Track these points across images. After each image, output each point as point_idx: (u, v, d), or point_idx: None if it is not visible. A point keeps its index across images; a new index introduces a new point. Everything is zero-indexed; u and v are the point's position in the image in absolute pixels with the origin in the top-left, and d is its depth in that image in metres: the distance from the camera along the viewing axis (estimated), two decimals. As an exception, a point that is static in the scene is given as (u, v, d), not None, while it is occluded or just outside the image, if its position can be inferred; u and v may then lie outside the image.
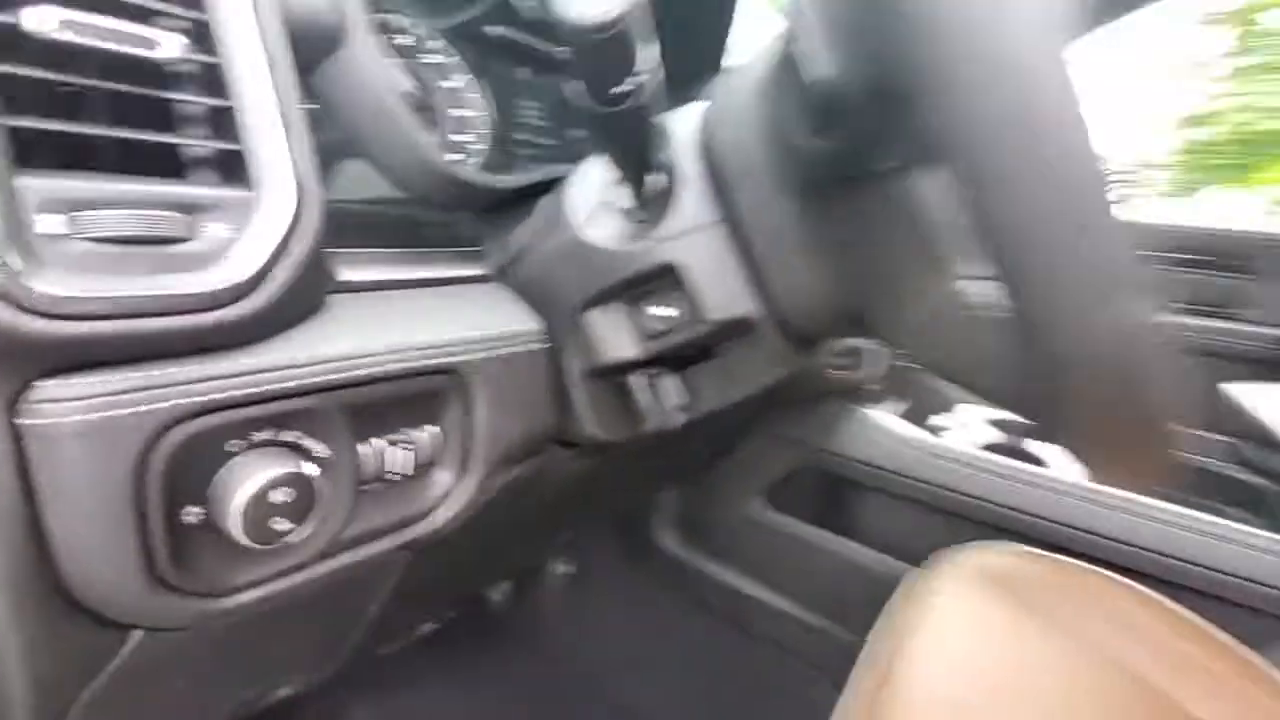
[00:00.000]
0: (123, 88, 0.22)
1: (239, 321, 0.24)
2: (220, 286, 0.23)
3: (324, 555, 0.29)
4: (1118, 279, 0.20)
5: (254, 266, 0.24)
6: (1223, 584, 0.61)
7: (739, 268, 0.34)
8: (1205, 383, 1.07)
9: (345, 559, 0.30)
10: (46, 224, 0.20)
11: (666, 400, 0.40)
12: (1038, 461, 0.77)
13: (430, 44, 0.46)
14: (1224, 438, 0.96)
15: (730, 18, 0.57)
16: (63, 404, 0.21)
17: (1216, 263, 1.44)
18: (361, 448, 0.29)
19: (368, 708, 0.80)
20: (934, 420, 0.92)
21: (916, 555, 0.59)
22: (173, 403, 0.23)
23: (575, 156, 0.40)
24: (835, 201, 0.33)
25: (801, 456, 0.83)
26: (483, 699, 0.87)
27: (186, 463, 0.24)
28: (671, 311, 0.36)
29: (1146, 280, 0.19)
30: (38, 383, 0.21)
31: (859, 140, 0.29)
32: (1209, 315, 1.44)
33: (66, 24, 0.21)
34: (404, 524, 0.33)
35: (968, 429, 0.89)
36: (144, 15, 0.23)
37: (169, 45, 0.23)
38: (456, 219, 0.42)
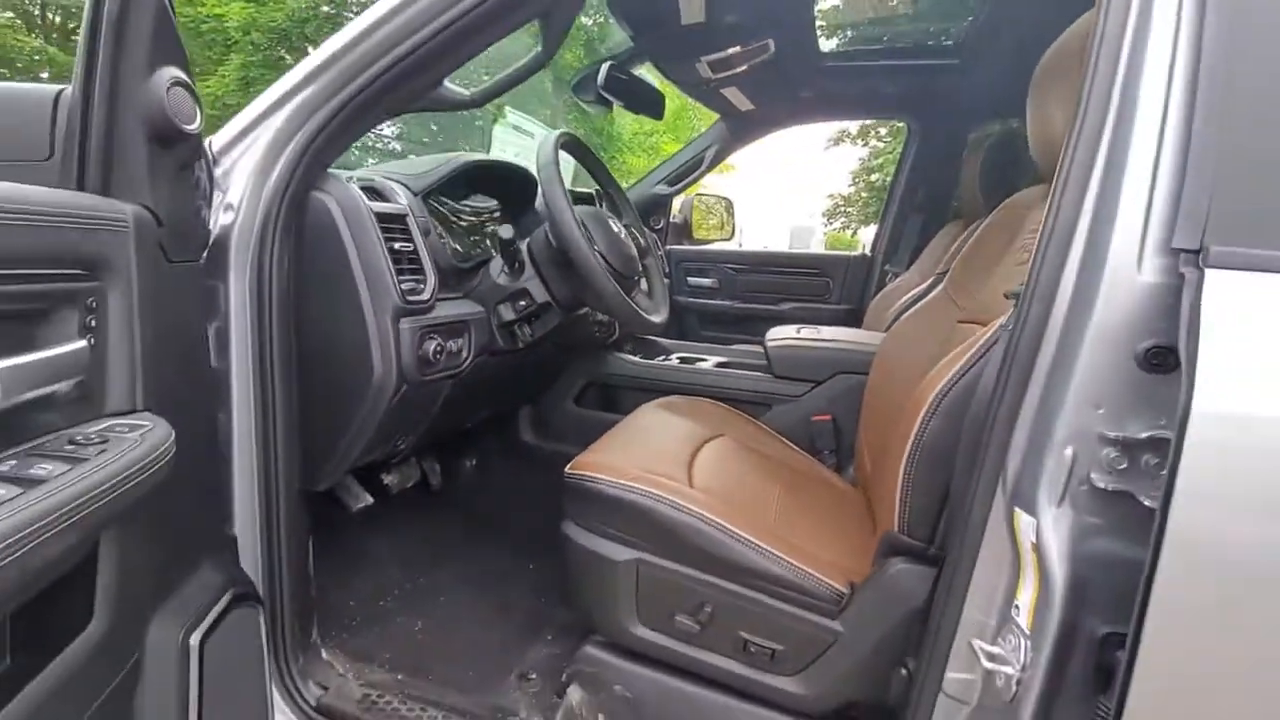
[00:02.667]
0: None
1: (428, 305, 1.03)
2: (425, 298, 1.02)
3: (442, 370, 1.07)
4: (603, 279, 1.08)
5: (430, 294, 1.03)
6: (742, 394, 1.58)
7: (543, 287, 1.19)
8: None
9: (442, 374, 1.09)
10: (412, 291, 0.98)
11: (524, 333, 1.24)
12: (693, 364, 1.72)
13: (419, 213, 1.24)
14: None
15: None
16: (410, 324, 0.98)
17: (812, 272, 2.59)
18: (450, 342, 1.08)
19: (374, 539, 1.49)
20: (657, 358, 1.84)
21: (634, 402, 1.48)
22: (417, 324, 1.01)
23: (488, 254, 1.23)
24: (566, 266, 1.19)
25: (589, 377, 1.70)
26: (429, 534, 1.59)
27: (417, 339, 1.01)
28: (523, 302, 1.20)
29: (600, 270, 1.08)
30: (404, 318, 0.98)
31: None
32: (812, 300, 2.61)
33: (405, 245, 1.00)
34: (455, 367, 1.12)
35: (669, 359, 1.82)
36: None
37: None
38: (455, 277, 1.22)
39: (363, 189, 1.01)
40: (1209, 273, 0.55)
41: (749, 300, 2.70)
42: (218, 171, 0.90)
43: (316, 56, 0.88)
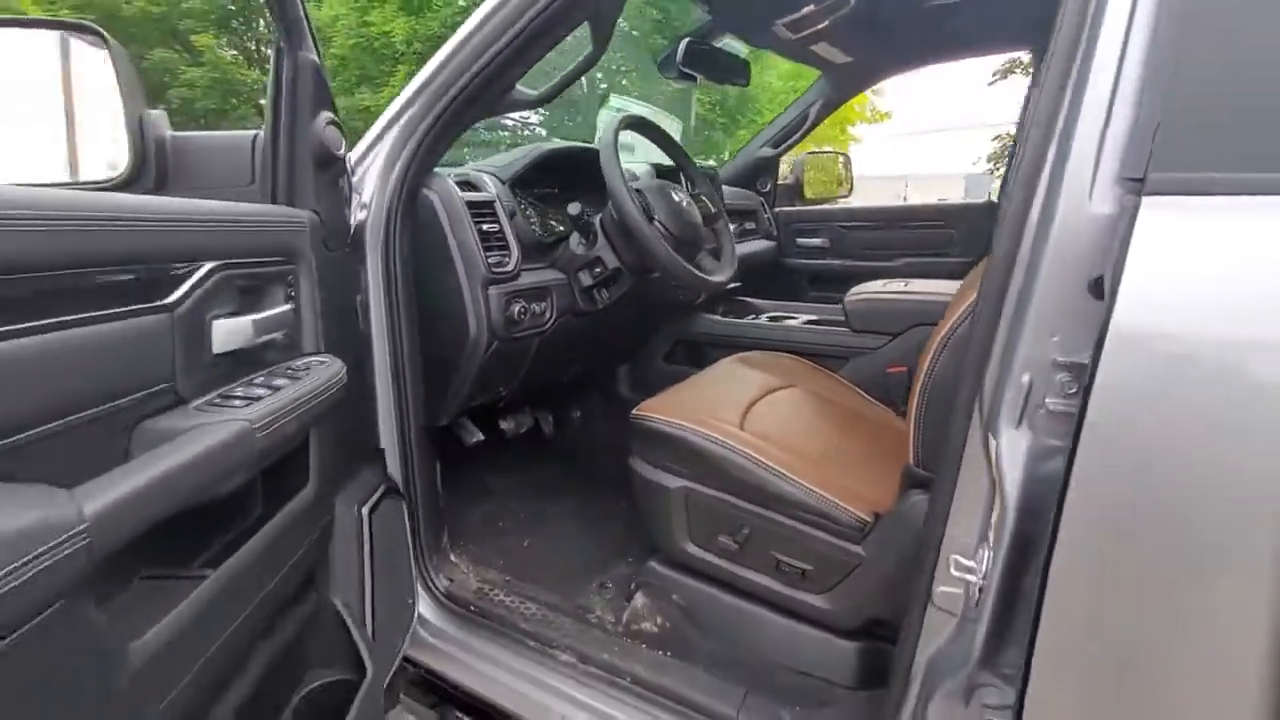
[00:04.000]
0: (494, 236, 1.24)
1: (512, 274, 1.24)
2: (510, 268, 1.24)
3: (528, 328, 1.29)
4: (656, 244, 1.22)
5: (513, 265, 1.25)
6: (821, 348, 1.64)
7: (614, 254, 1.36)
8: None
9: (529, 332, 1.31)
10: (498, 264, 1.21)
11: (602, 296, 1.42)
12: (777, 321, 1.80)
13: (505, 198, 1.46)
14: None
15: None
16: (496, 290, 1.21)
17: (934, 224, 2.48)
18: (533, 305, 1.30)
19: (495, 475, 1.79)
20: (747, 317, 1.94)
21: (706, 352, 1.61)
22: (503, 291, 1.23)
23: (569, 229, 1.42)
24: (629, 235, 1.35)
25: (678, 336, 1.85)
26: (540, 473, 1.86)
27: (503, 302, 1.23)
28: (598, 269, 1.37)
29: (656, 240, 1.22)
30: (492, 285, 1.21)
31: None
32: (932, 254, 2.49)
33: (492, 226, 1.23)
34: (539, 325, 1.33)
35: (759, 318, 1.91)
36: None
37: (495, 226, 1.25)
38: (539, 250, 1.44)
39: (458, 183, 1.24)
40: (1145, 199, 0.57)
41: (862, 258, 2.64)
42: (355, 179, 1.17)
43: (415, 82, 1.12)
